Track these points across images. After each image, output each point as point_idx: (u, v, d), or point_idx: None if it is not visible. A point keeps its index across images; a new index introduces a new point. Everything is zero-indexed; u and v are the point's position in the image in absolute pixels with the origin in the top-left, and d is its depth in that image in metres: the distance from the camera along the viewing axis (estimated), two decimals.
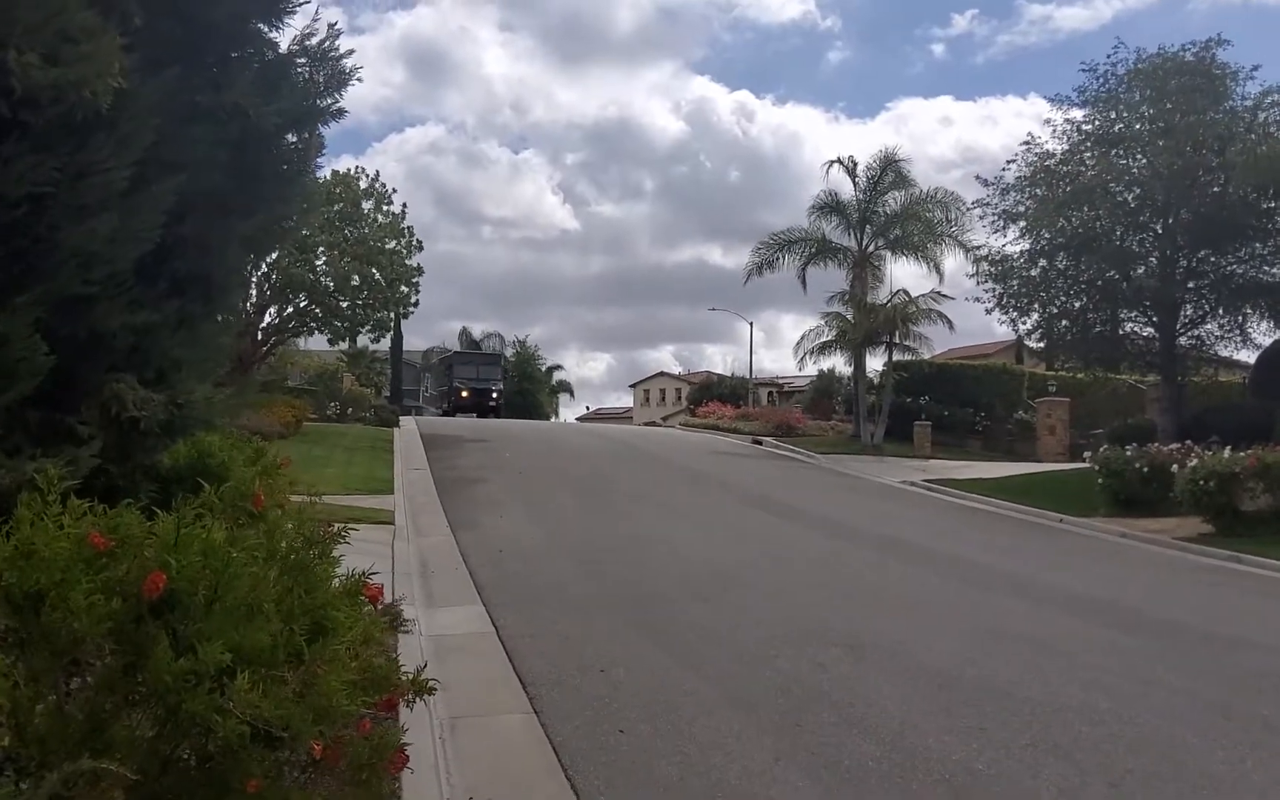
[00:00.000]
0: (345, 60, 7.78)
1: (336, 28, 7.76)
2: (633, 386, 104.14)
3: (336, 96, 7.84)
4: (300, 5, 7.58)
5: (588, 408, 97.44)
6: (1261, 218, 28.48)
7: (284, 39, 7.69)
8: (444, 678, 8.03)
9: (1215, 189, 27.98)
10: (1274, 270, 29.75)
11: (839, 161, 42.66)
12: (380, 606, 4.85)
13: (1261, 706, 8.49)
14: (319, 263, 38.51)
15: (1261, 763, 7.10)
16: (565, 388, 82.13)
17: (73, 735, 3.82)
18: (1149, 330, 32.07)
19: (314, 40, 7.69)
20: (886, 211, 41.84)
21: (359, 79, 7.84)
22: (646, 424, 70.65)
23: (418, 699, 4.37)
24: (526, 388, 74.46)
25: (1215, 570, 16.71)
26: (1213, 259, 30.26)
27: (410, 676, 4.21)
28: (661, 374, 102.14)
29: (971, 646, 10.24)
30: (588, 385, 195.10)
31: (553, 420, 71.17)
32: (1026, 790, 6.45)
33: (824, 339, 42.26)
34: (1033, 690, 8.67)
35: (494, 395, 60.06)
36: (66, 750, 3.74)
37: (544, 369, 78.81)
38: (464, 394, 59.46)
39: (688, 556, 15.32)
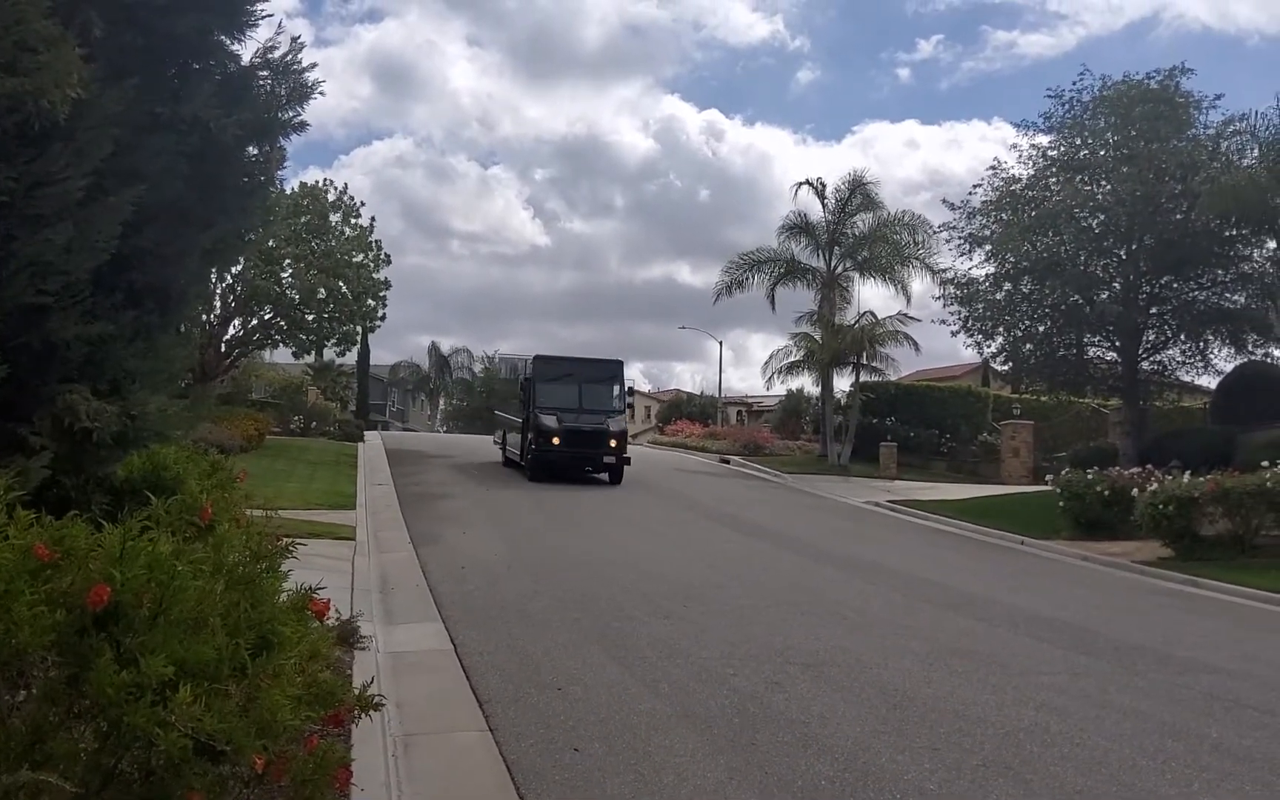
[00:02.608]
0: (308, 73, 7.79)
1: (299, 41, 7.78)
2: None
3: (299, 109, 7.85)
4: (263, 18, 7.59)
5: None
6: (1223, 245, 28.93)
7: (246, 52, 7.71)
8: (400, 695, 8.03)
9: (1178, 216, 28.36)
10: (1235, 297, 30.17)
11: (808, 183, 42.92)
12: (328, 622, 4.83)
13: (1212, 729, 8.59)
14: (285, 275, 38.26)
15: (1208, 785, 7.18)
16: None
17: (14, 747, 3.79)
18: (1112, 355, 32.40)
19: (276, 53, 7.70)
20: (854, 233, 42.10)
21: (321, 92, 7.85)
22: None
23: (365, 715, 4.36)
24: (495, 404, 74.07)
25: (1173, 594, 16.88)
26: (1175, 285, 30.66)
27: (357, 693, 4.20)
28: (631, 391, 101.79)
29: (929, 666, 10.30)
30: None
31: None
32: None
33: (792, 359, 42.47)
34: (987, 710, 8.73)
35: (610, 441, 29.44)
36: (7, 763, 3.71)
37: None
38: (554, 437, 28.92)
39: (650, 573, 15.33)
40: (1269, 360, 29.87)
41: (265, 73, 7.72)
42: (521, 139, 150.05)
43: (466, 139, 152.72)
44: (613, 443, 29.12)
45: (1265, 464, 19.99)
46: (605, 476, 29.43)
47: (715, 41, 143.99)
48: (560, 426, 28.70)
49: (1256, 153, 26.21)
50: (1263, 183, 24.95)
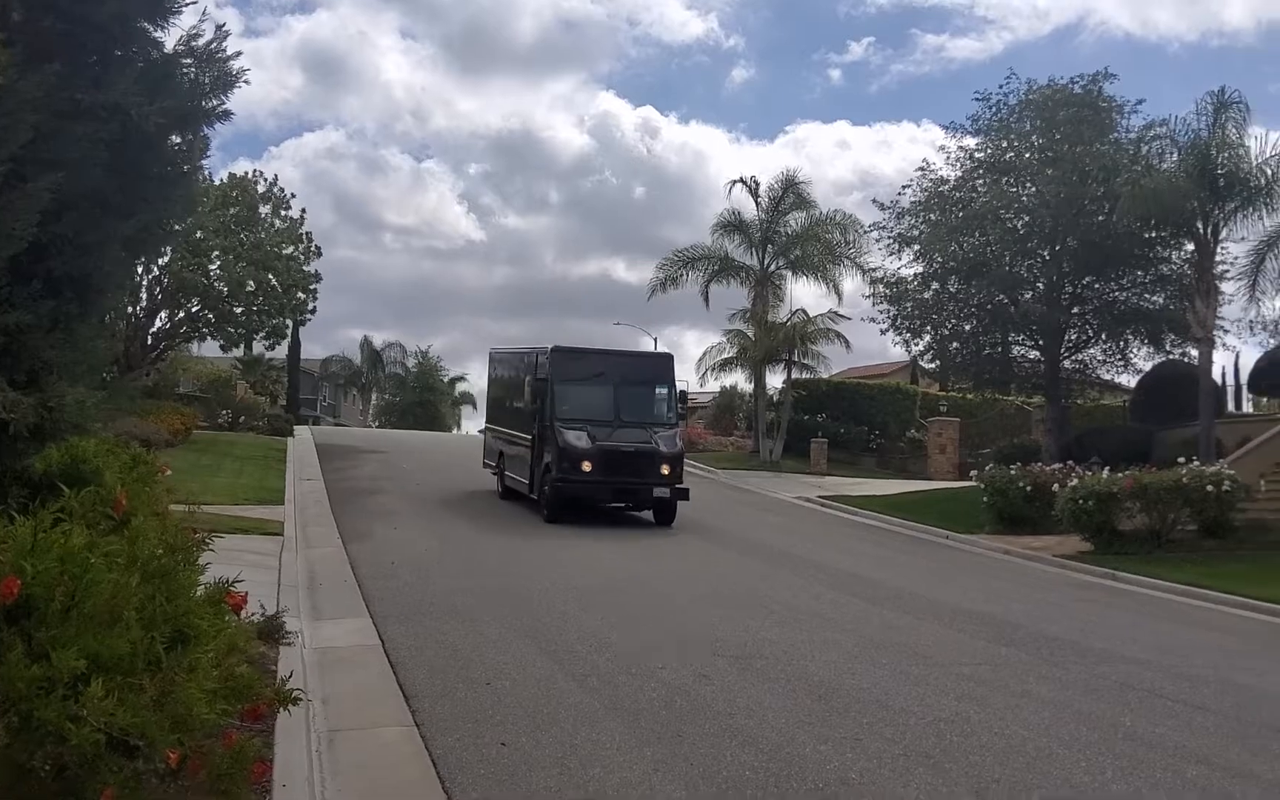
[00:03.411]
0: (233, 61, 7.66)
1: (224, 29, 7.65)
2: None
3: (223, 98, 7.72)
4: (187, 5, 7.46)
5: None
6: (1143, 247, 29.66)
7: (169, 39, 7.55)
8: (326, 691, 7.97)
9: (1100, 218, 28.95)
10: (1154, 298, 30.96)
11: (742, 181, 43.08)
12: (253, 617, 4.79)
13: (1126, 717, 8.82)
14: (213, 267, 37.62)
15: (1121, 771, 7.38)
16: (468, 399, 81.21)
17: None
18: (1035, 354, 33.06)
19: (201, 41, 7.57)
20: (787, 232, 42.37)
21: (246, 81, 7.72)
22: None
23: (287, 710, 4.34)
24: (428, 399, 73.30)
25: (1092, 586, 17.28)
26: (1096, 286, 31.37)
27: (276, 687, 4.17)
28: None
29: (854, 658, 10.46)
30: None
31: (455, 432, 70.39)
32: (896, 798, 6.61)
33: (726, 356, 42.66)
34: (909, 701, 8.88)
35: (662, 466, 21.56)
36: None
37: (446, 380, 77.69)
38: (583, 460, 20.94)
39: (581, 568, 15.36)
40: (1186, 360, 30.64)
41: (189, 61, 7.58)
42: (455, 133, 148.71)
43: (399, 132, 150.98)
44: (665, 468, 21.12)
45: (1181, 461, 20.55)
46: (650, 514, 21.73)
47: (650, 38, 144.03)
48: (594, 446, 20.58)
49: (1176, 157, 26.80)
50: (1181, 187, 25.57)
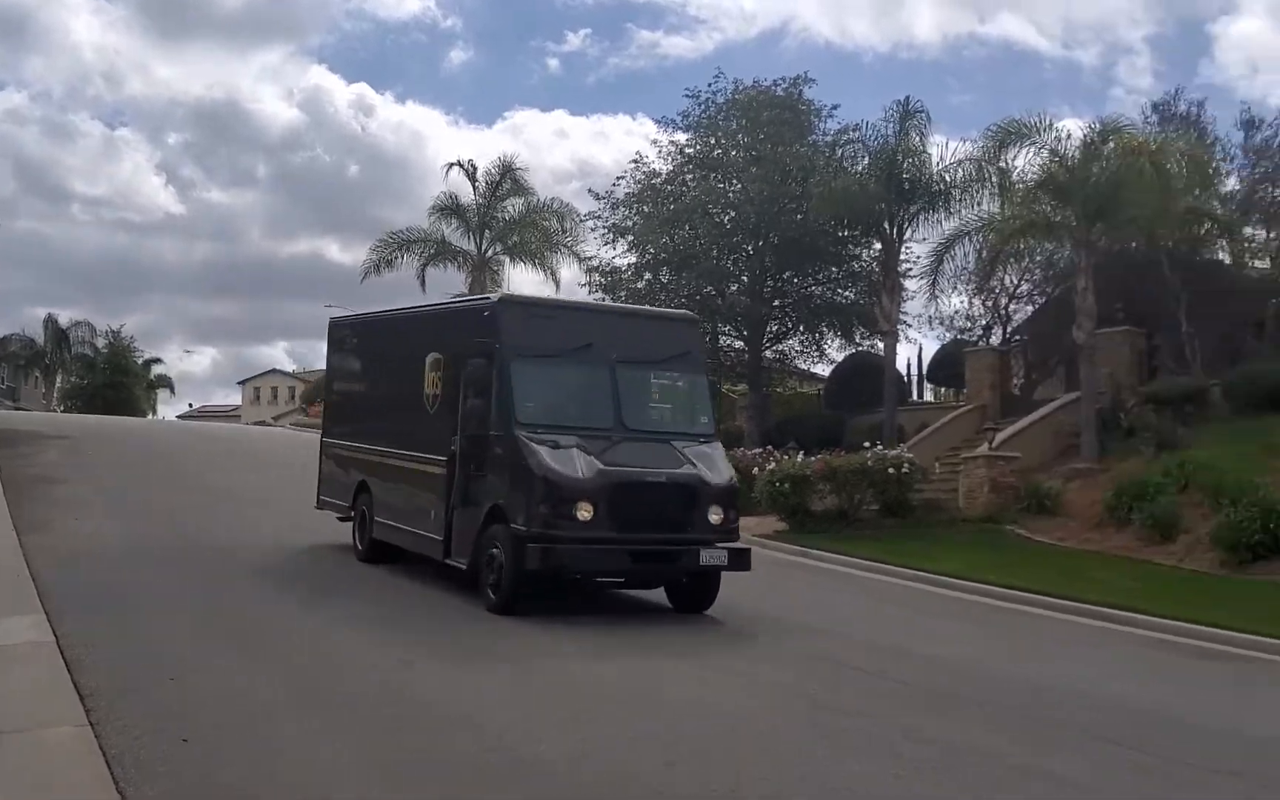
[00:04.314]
0: None
1: None
2: (242, 384, 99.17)
3: None
4: None
5: (191, 405, 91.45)
6: (837, 245, 31.73)
7: None
8: None
9: (799, 216, 30.68)
10: (846, 293, 33.20)
11: (459, 164, 42.54)
12: None
13: (811, 685, 9.42)
14: None
15: (813, 740, 7.86)
16: (165, 383, 76.58)
17: None
18: (740, 344, 34.62)
19: None
20: (505, 218, 42.29)
21: None
22: (256, 423, 67.63)
23: None
24: (121, 382, 68.45)
25: (788, 564, 18.31)
26: (795, 280, 33.30)
27: None
28: (274, 371, 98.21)
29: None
30: (191, 381, 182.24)
31: (150, 418, 66.24)
32: None
33: None
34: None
35: (711, 510, 12.04)
36: None
37: (141, 362, 72.86)
38: (580, 505, 11.45)
39: (281, 556, 14.87)
40: (874, 351, 32.92)
41: None
42: (152, 100, 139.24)
43: (90, 96, 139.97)
44: (716, 513, 12.15)
45: (866, 445, 22.08)
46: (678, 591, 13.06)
47: (364, 13, 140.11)
48: (598, 475, 11.63)
49: (866, 161, 28.72)
50: (870, 189, 27.47)
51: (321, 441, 17.62)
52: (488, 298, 14.48)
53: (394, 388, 15.18)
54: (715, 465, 12.48)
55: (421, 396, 13.87)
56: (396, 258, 42.66)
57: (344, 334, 17.54)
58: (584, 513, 11.38)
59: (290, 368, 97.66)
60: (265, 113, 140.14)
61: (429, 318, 15.92)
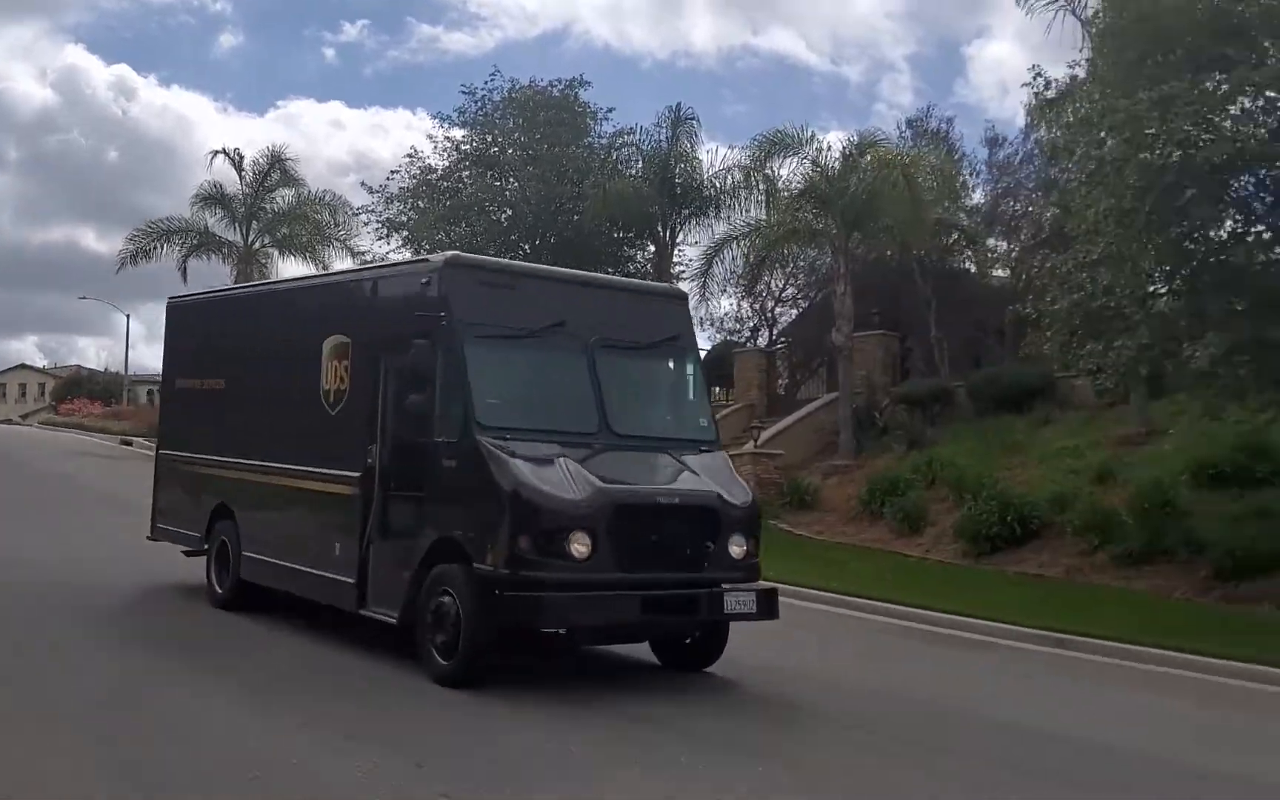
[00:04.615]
0: None
1: None
2: None
3: None
4: None
5: None
6: (613, 246, 32.22)
7: None
8: None
9: (575, 217, 30.97)
10: None
11: (224, 152, 40.90)
12: None
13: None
14: None
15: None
16: None
17: None
18: None
19: None
20: (274, 209, 40.99)
21: None
22: (3, 422, 63.24)
23: None
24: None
25: None
26: None
27: None
28: (22, 366, 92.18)
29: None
30: None
31: None
32: None
33: None
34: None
35: (732, 541, 9.42)
36: None
37: None
38: (574, 538, 8.64)
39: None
40: None
41: None
42: None
43: None
44: (738, 546, 9.53)
45: None
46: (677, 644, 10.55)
47: None
48: (596, 495, 8.88)
49: (641, 165, 29.29)
50: (644, 193, 28.04)
51: (158, 455, 14.29)
52: (428, 259, 11.10)
53: (271, 384, 11.84)
54: (730, 481, 10.08)
55: (317, 394, 10.74)
56: (156, 248, 40.69)
57: (190, 318, 14.27)
58: (580, 547, 8.67)
59: (41, 363, 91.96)
60: (16, 92, 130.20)
61: (328, 291, 12.66)
